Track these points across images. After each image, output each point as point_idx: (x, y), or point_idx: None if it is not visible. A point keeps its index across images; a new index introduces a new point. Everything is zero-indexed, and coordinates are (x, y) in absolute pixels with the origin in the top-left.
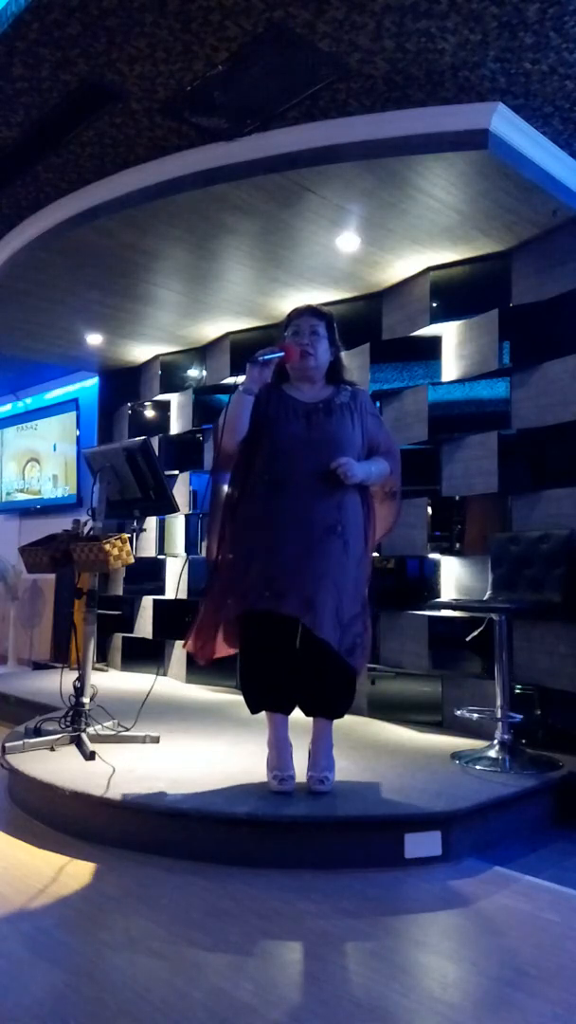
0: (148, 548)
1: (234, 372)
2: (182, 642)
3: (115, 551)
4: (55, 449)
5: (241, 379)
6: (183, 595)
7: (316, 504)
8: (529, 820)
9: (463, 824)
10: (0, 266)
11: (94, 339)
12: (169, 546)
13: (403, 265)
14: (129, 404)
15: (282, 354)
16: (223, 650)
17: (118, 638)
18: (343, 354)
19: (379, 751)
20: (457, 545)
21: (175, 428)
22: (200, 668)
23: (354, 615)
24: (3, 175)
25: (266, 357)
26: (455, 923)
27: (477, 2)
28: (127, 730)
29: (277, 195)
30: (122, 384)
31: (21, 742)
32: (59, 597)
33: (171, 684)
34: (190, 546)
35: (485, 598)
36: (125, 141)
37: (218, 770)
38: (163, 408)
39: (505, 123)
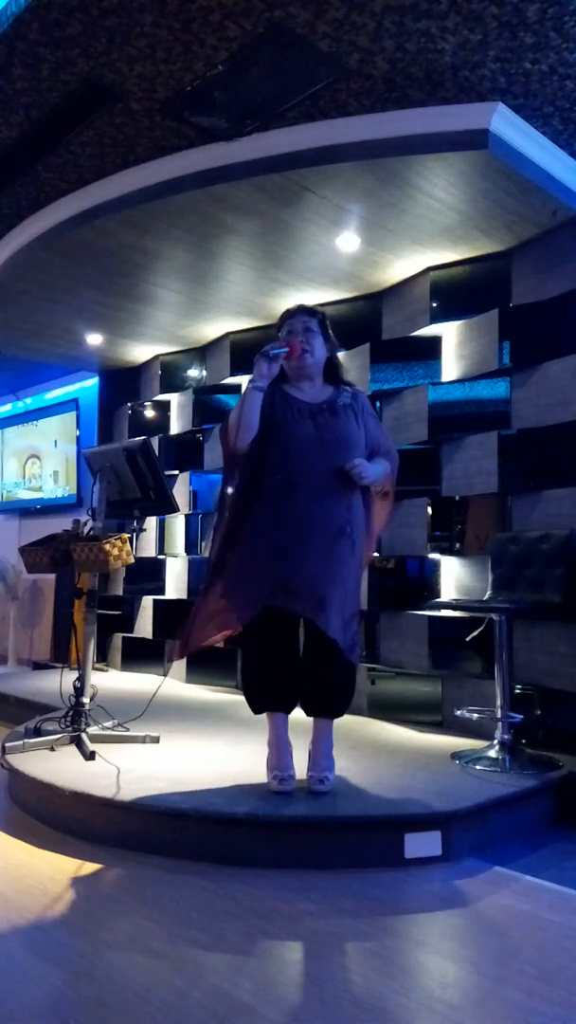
0: (148, 548)
1: (234, 372)
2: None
3: (115, 551)
4: (56, 446)
5: (245, 379)
6: (183, 595)
7: (328, 505)
8: (529, 820)
9: (463, 824)
10: (0, 266)
11: (94, 339)
12: (169, 546)
13: (403, 265)
14: (129, 404)
15: (287, 349)
16: (202, 643)
17: (118, 638)
18: (340, 354)
19: (379, 751)
20: (457, 545)
21: (175, 428)
22: (200, 668)
23: (352, 613)
24: (3, 175)
25: (275, 351)
26: (455, 923)
27: (477, 2)
28: (127, 730)
29: (277, 195)
30: (122, 384)
31: (21, 742)
32: (59, 597)
33: (171, 684)
34: (190, 546)
35: (485, 598)
36: (125, 141)
37: (218, 770)
38: (163, 408)
39: (505, 123)
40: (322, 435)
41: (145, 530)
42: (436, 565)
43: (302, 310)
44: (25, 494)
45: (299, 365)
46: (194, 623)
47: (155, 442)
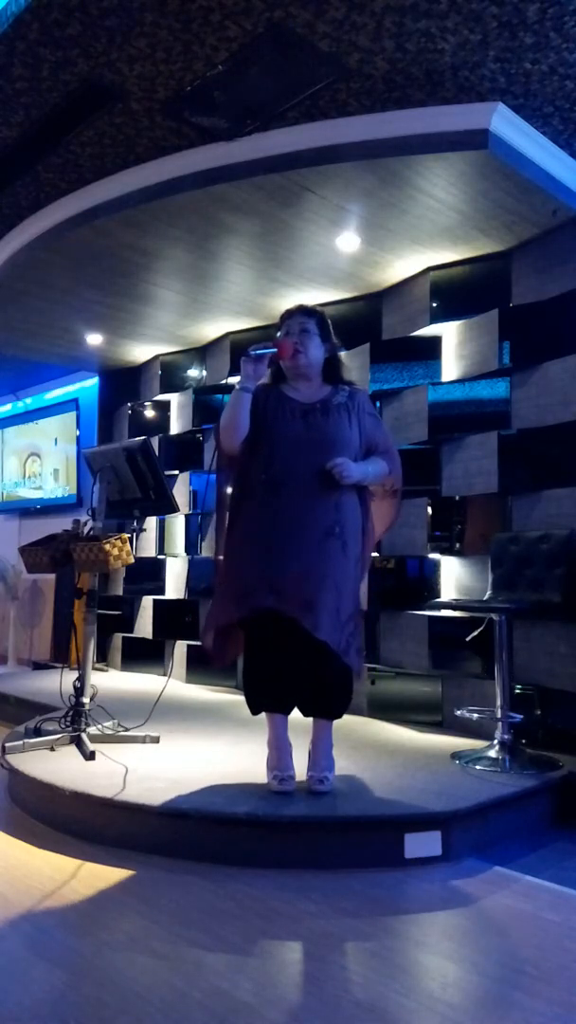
0: (148, 548)
1: (234, 372)
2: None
3: (115, 551)
4: (56, 444)
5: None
6: (183, 595)
7: (314, 505)
8: (529, 820)
9: (463, 824)
10: (0, 266)
11: (94, 339)
12: (169, 546)
13: (403, 265)
14: (129, 404)
15: (275, 350)
16: (236, 652)
17: (118, 638)
18: (342, 353)
19: (379, 751)
20: (457, 545)
21: (175, 428)
22: (200, 668)
23: (350, 615)
24: (3, 175)
25: (258, 352)
26: (455, 923)
27: (477, 2)
28: (127, 730)
29: (277, 195)
30: (122, 384)
31: (21, 742)
32: (59, 597)
33: (171, 684)
34: (190, 546)
35: (485, 598)
36: (125, 141)
37: (218, 770)
38: (163, 408)
39: (505, 123)
40: (310, 435)
41: (145, 530)
42: (436, 565)
43: (300, 310)
44: (25, 492)
45: (293, 365)
46: (213, 629)
47: (155, 442)
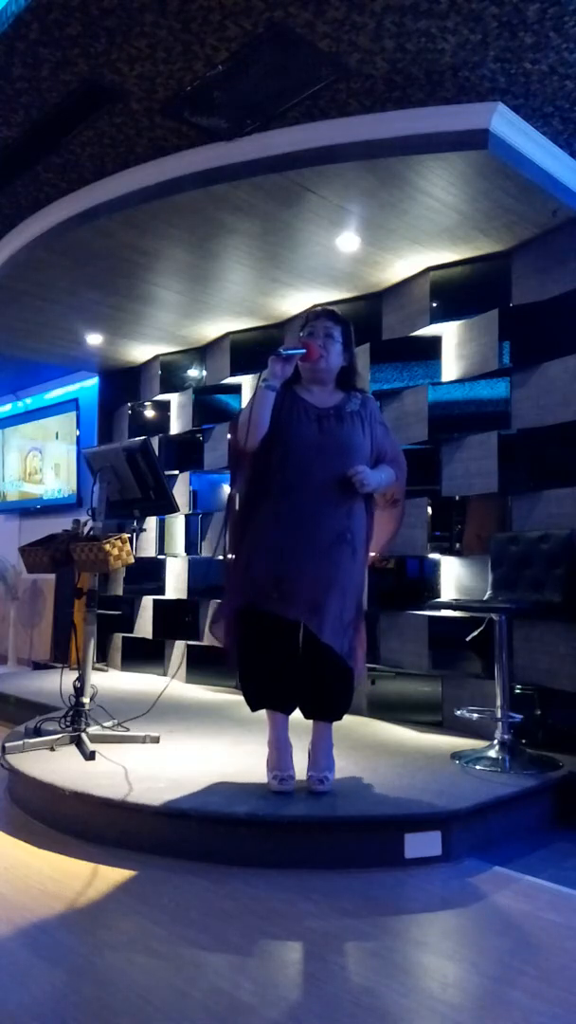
0: (148, 548)
1: (234, 372)
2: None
3: (115, 551)
4: (57, 438)
5: (245, 379)
6: (183, 595)
7: (327, 510)
8: (529, 820)
9: (463, 824)
10: (0, 266)
11: (94, 339)
12: (169, 546)
13: (403, 265)
14: (129, 404)
15: (304, 351)
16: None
17: (118, 638)
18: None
19: (379, 751)
20: (457, 545)
21: (175, 428)
22: (200, 668)
23: (352, 619)
24: (3, 175)
25: (289, 352)
26: (455, 923)
27: (477, 2)
28: (127, 730)
29: (277, 195)
30: (122, 384)
31: (21, 742)
32: (59, 597)
33: (171, 684)
34: (190, 546)
35: (485, 598)
36: (125, 141)
37: (218, 770)
38: (163, 408)
39: (505, 123)
40: (324, 440)
41: (145, 530)
42: (436, 565)
43: (327, 314)
44: (27, 487)
45: (313, 368)
46: (218, 618)
47: (155, 442)
